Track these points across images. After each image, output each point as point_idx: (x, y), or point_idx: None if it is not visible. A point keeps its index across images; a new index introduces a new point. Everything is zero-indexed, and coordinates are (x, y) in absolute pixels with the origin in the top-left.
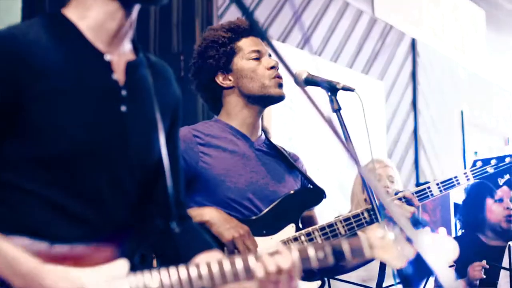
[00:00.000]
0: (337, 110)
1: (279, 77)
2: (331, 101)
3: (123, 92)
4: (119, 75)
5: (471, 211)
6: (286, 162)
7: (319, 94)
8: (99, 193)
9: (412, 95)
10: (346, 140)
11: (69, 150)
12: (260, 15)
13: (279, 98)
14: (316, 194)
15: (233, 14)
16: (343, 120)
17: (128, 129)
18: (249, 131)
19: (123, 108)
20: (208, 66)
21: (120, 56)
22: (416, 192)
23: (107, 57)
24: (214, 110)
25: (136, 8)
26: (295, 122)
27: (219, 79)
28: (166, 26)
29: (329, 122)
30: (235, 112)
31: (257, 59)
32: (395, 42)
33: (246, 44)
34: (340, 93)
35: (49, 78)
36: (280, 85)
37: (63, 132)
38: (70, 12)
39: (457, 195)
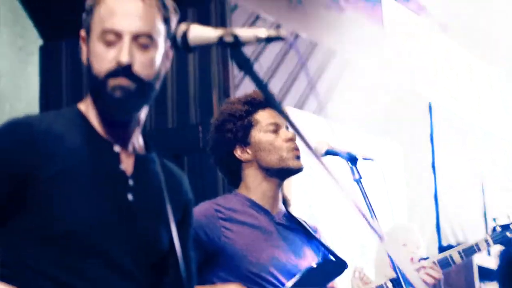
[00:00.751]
0: (358, 180)
1: (297, 149)
2: (352, 171)
3: (130, 182)
4: (127, 166)
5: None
6: (307, 235)
7: (339, 164)
8: (106, 278)
9: (430, 157)
10: (368, 210)
11: (76, 231)
12: (276, 82)
13: (298, 170)
14: (339, 266)
15: (250, 84)
16: (364, 190)
17: (134, 217)
18: (270, 205)
19: (130, 197)
20: (226, 139)
21: (129, 149)
22: (438, 261)
23: (116, 148)
24: (233, 184)
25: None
26: (315, 189)
27: (237, 153)
28: (184, 97)
29: (349, 197)
30: (254, 185)
31: (275, 131)
32: (411, 105)
33: (264, 117)
34: (360, 162)
35: (59, 163)
36: (298, 157)
37: (70, 214)
38: (83, 105)
39: (481, 258)
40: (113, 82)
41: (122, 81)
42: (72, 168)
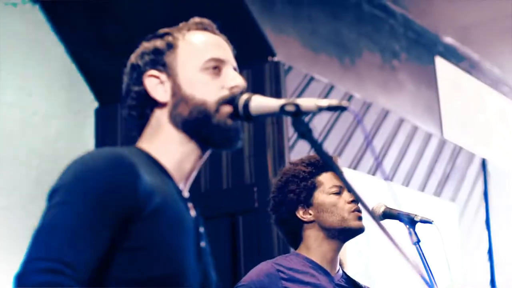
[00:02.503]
0: (417, 242)
1: (358, 210)
2: (410, 234)
3: (201, 229)
4: (192, 212)
5: None
6: None
7: (397, 227)
8: None
9: (485, 215)
10: (427, 273)
11: (172, 275)
12: (331, 142)
13: (359, 231)
14: None
15: (304, 146)
16: (422, 252)
17: (204, 265)
18: (329, 266)
19: (203, 244)
20: (288, 200)
21: (186, 195)
22: None
23: (185, 194)
24: (293, 244)
25: (209, 151)
26: (371, 249)
27: (300, 214)
28: (239, 158)
29: (408, 260)
30: (315, 246)
31: (338, 193)
32: (465, 163)
33: (327, 179)
34: (419, 225)
35: (155, 199)
36: (360, 218)
37: (168, 256)
38: (147, 148)
39: None
40: (226, 109)
41: (231, 109)
42: (164, 207)
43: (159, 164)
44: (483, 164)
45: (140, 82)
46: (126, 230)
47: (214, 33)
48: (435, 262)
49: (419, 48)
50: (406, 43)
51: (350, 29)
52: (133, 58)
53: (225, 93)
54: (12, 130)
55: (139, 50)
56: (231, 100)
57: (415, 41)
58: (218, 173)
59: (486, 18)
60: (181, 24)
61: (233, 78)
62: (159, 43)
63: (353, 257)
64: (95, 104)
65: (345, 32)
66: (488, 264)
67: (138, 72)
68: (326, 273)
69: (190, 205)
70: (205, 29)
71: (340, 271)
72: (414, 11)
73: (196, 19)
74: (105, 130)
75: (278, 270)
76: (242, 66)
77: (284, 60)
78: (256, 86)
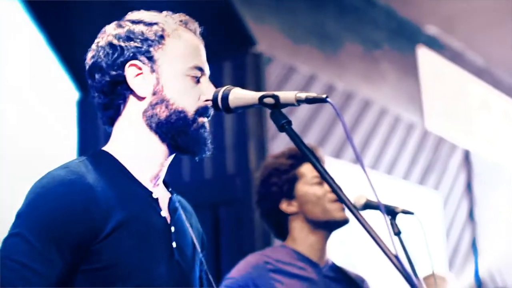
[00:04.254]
0: (397, 233)
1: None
2: (391, 225)
3: (172, 229)
4: (165, 211)
5: None
6: (354, 286)
7: (377, 217)
8: None
9: (468, 205)
10: (408, 264)
11: (141, 286)
12: (314, 131)
13: (343, 222)
14: None
15: (286, 136)
16: (403, 244)
17: (178, 263)
18: (317, 257)
19: (174, 244)
20: (271, 193)
21: (160, 193)
22: None
23: (155, 195)
24: (280, 236)
25: (174, 154)
26: (353, 238)
27: (283, 206)
28: (220, 149)
29: (387, 252)
30: (301, 238)
31: (320, 183)
32: (448, 152)
33: (309, 170)
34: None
35: (114, 216)
36: (344, 209)
37: (130, 268)
38: (114, 150)
39: None
40: (201, 120)
41: (205, 119)
42: (125, 221)
43: (125, 169)
44: (466, 154)
45: (118, 67)
46: (87, 253)
47: (196, 35)
48: (418, 253)
49: (401, 39)
50: (388, 33)
51: (332, 20)
52: (114, 36)
53: (201, 104)
54: None
55: (123, 30)
56: (205, 112)
57: (397, 31)
58: (200, 163)
59: (471, 8)
60: (167, 16)
61: (209, 90)
62: (148, 32)
63: (336, 246)
64: (77, 95)
65: (327, 22)
66: (472, 254)
67: (119, 56)
68: (314, 264)
69: (162, 205)
70: (191, 28)
71: (330, 261)
72: (396, 2)
73: (183, 16)
74: (87, 121)
75: (266, 262)
76: (223, 58)
77: (266, 50)
78: (236, 77)
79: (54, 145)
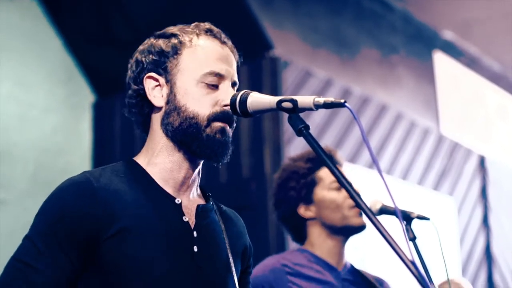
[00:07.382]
0: (413, 239)
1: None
2: (407, 230)
3: (195, 234)
4: (190, 218)
5: None
6: None
7: (394, 223)
8: None
9: (483, 211)
10: (423, 269)
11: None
12: (330, 135)
13: (361, 228)
14: None
15: (302, 140)
16: (419, 249)
17: (200, 269)
18: (335, 261)
19: (195, 249)
20: (289, 197)
21: (190, 200)
22: None
23: (178, 200)
24: (298, 240)
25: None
26: (367, 244)
27: (301, 211)
28: (236, 152)
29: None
30: (319, 242)
31: (338, 188)
32: (463, 158)
33: (327, 174)
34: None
35: (122, 218)
36: (361, 214)
37: (138, 270)
38: (140, 158)
39: None
40: (217, 125)
41: (224, 124)
42: (135, 224)
43: (148, 176)
44: (482, 160)
45: (140, 81)
46: (91, 253)
47: (221, 42)
48: (433, 258)
49: (418, 44)
50: (405, 38)
51: (349, 25)
52: (139, 52)
53: (217, 109)
54: (9, 124)
55: (145, 46)
56: (222, 117)
57: (414, 36)
58: (215, 167)
59: (487, 13)
60: (191, 26)
61: (227, 96)
62: (165, 45)
63: (349, 252)
64: (92, 98)
65: (345, 27)
66: (486, 260)
67: (140, 70)
68: (332, 268)
69: (187, 210)
70: (214, 36)
71: (348, 265)
72: (413, 7)
73: (206, 25)
74: (102, 124)
75: (284, 265)
76: (241, 60)
77: (283, 55)
78: (253, 81)
79: (68, 148)
